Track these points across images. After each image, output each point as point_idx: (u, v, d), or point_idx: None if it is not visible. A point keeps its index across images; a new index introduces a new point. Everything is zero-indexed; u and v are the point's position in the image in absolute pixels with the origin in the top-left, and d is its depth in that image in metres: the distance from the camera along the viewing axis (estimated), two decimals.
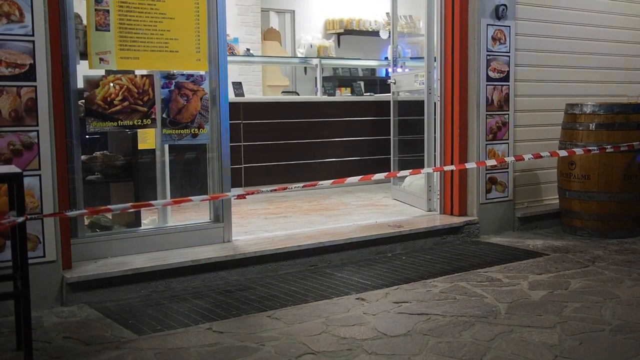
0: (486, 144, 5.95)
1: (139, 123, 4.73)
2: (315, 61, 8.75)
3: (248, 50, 8.75)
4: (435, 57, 6.10)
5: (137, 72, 4.79)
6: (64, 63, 4.43)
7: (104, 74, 4.63)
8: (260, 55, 9.27)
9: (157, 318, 3.98)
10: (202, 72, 4.92)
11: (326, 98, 8.24)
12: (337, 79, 9.64)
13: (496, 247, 5.66)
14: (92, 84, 4.56)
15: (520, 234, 6.10)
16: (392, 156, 7.11)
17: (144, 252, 4.74)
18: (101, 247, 4.65)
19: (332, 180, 4.51)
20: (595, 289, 4.46)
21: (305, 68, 9.93)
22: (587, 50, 6.64)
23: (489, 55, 5.90)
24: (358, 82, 8.73)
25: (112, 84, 4.60)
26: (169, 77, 4.82)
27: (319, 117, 7.93)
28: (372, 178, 4.97)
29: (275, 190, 4.25)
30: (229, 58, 8.37)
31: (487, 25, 5.86)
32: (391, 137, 7.09)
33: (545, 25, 6.30)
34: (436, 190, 6.18)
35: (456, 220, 5.88)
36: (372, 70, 10.28)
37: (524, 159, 5.20)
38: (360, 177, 4.85)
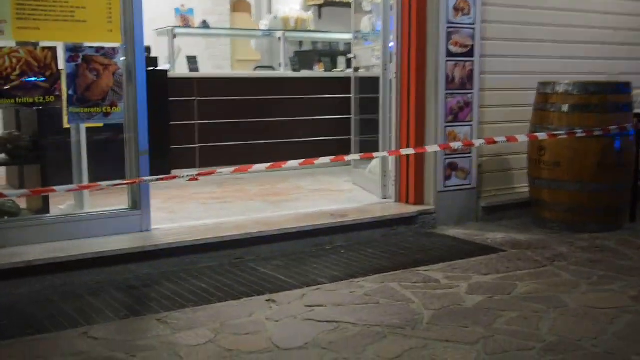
0: (445, 126, 5.40)
1: (41, 100, 4.28)
2: (279, 34, 8.22)
3: (204, 22, 8.23)
4: (391, 30, 5.56)
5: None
6: None
7: None
8: (218, 28, 8.72)
9: (35, 319, 3.55)
10: (116, 45, 4.45)
11: (289, 74, 7.72)
12: (318, 54, 9.08)
13: (450, 240, 5.15)
14: None
15: (482, 226, 5.56)
16: (352, 137, 6.59)
17: (51, 241, 4.31)
18: (1, 235, 4.22)
19: (236, 167, 4.03)
20: (543, 294, 3.94)
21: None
22: (568, 22, 6.03)
23: (450, 27, 5.33)
24: (330, 57, 8.19)
25: (7, 57, 4.15)
26: (75, 49, 4.35)
27: (281, 94, 7.43)
28: (315, 162, 4.51)
29: (162, 179, 3.77)
30: (182, 30, 7.96)
31: None
32: (352, 116, 6.58)
33: None
34: (392, 176, 5.66)
35: (408, 209, 5.37)
36: None
37: (473, 145, 4.66)
38: (302, 161, 4.42)
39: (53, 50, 4.29)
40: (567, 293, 3.97)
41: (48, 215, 4.56)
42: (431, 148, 5.09)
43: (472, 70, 5.48)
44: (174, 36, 7.42)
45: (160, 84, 6.66)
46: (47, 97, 4.28)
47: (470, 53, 5.46)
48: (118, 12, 4.43)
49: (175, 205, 5.57)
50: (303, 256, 4.69)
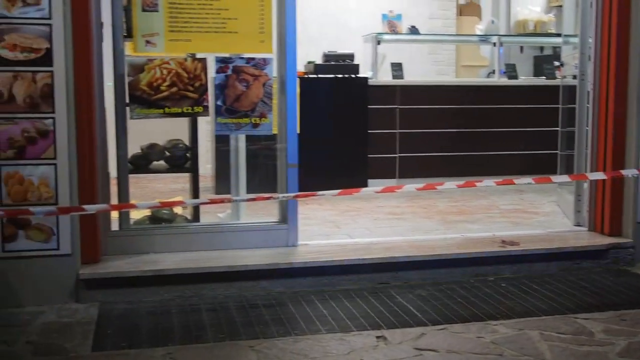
0: None
1: (189, 111, 4.34)
2: (494, 39, 7.56)
3: (413, 27, 7.81)
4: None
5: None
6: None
7: (149, 57, 4.29)
8: (425, 34, 8.16)
9: (140, 331, 3.58)
10: (267, 55, 4.37)
11: (500, 81, 7.07)
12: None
13: None
14: (136, 68, 4.25)
15: None
16: (559, 151, 5.84)
17: (196, 250, 4.37)
18: (148, 241, 4.37)
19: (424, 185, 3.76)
20: None
21: (521, 47, 8.68)
22: None
23: None
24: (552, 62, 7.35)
25: (158, 69, 4.26)
26: (225, 60, 4.34)
27: (489, 103, 6.84)
28: (476, 185, 4.01)
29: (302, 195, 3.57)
30: (388, 37, 7.66)
31: None
32: (559, 128, 5.83)
33: None
34: (586, 200, 4.90)
35: (597, 241, 4.60)
36: None
37: None
38: (462, 182, 4.02)
39: (203, 61, 4.33)
40: None
41: (193, 224, 4.62)
42: (628, 172, 4.30)
43: None
44: (378, 42, 7.19)
45: (359, 91, 6.51)
46: (195, 108, 4.33)
47: None
48: (270, 22, 4.35)
49: (346, 219, 5.38)
50: (454, 287, 4.23)
